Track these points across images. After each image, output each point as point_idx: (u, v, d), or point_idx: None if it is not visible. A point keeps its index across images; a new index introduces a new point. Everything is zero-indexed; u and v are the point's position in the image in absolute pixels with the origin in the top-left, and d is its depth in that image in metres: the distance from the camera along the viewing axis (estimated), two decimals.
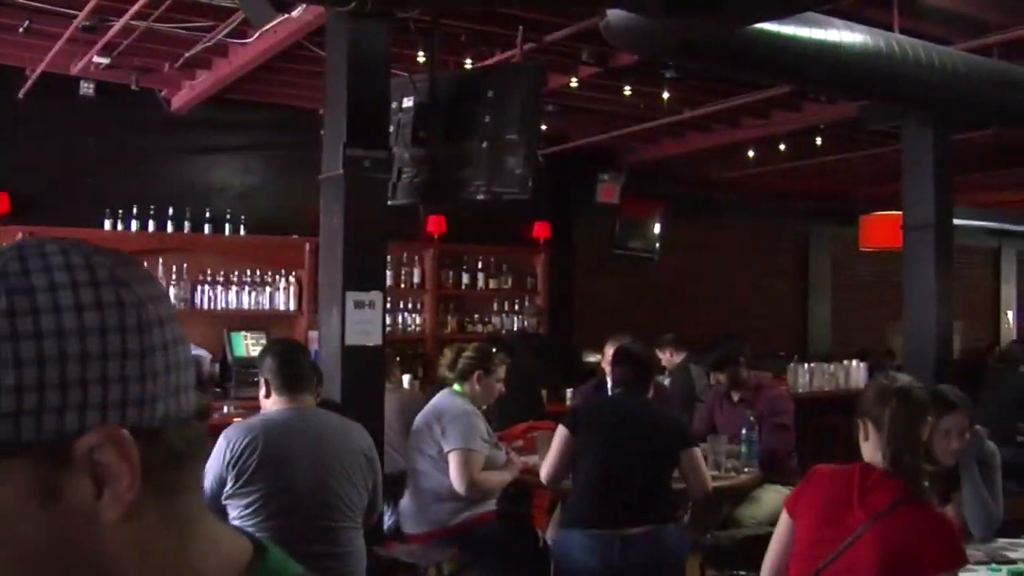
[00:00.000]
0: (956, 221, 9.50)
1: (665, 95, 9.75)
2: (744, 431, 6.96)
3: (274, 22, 6.72)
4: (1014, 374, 9.75)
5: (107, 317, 1.00)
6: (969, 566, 4.45)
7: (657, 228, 14.69)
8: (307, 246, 10.23)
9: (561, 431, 5.81)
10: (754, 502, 6.93)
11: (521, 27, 7.69)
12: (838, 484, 3.80)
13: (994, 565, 4.50)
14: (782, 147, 12.25)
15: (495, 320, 12.31)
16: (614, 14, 6.25)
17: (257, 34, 7.82)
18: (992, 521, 4.95)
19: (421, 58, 7.81)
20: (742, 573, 6.11)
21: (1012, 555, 4.66)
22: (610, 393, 6.24)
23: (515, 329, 12.10)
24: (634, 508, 5.50)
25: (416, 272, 11.69)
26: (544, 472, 5.94)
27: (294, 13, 6.84)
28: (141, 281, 1.05)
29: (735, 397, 7.58)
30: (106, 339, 0.99)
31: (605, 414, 5.89)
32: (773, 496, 6.80)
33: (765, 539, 4.12)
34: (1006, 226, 18.88)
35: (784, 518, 3.94)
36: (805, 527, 3.82)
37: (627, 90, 9.64)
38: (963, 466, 4.93)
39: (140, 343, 1.02)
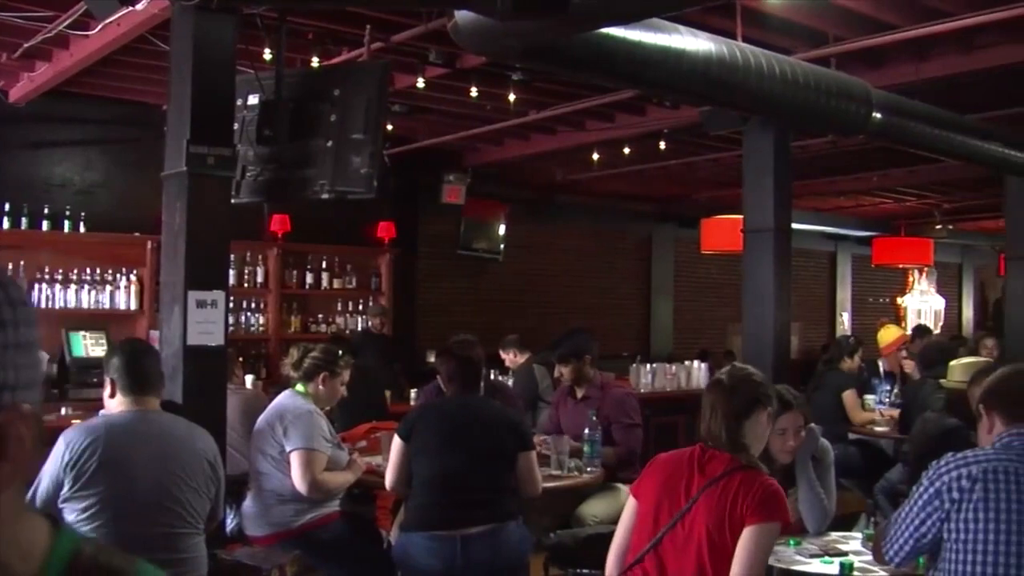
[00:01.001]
0: (794, 225, 9.71)
1: (511, 97, 9.80)
2: (587, 431, 7.00)
3: (117, 14, 6.59)
4: (833, 374, 9.95)
5: (18, 312, 1.14)
6: (803, 559, 4.61)
7: (502, 229, 14.79)
8: (149, 244, 10.10)
9: (396, 441, 5.77)
10: (597, 501, 6.97)
11: (369, 26, 7.67)
12: (678, 462, 4.06)
13: (827, 557, 4.64)
14: (626, 150, 12.39)
15: (339, 320, 12.30)
16: (462, 15, 6.26)
17: (100, 26, 7.63)
18: (826, 516, 5.11)
19: (268, 55, 7.73)
20: (585, 571, 6.16)
21: (844, 547, 4.82)
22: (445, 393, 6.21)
23: (359, 329, 12.07)
24: (473, 508, 5.49)
25: (260, 271, 11.61)
26: (387, 482, 5.90)
27: (138, 6, 6.69)
28: (15, 284, 1.18)
29: (579, 394, 7.58)
30: (18, 331, 1.14)
31: (443, 415, 5.82)
32: (619, 495, 6.86)
33: (608, 537, 4.21)
34: (842, 231, 19.44)
35: (629, 502, 4.17)
36: (647, 503, 4.04)
37: (474, 91, 9.68)
38: (799, 463, 5.07)
39: (30, 336, 1.16)
